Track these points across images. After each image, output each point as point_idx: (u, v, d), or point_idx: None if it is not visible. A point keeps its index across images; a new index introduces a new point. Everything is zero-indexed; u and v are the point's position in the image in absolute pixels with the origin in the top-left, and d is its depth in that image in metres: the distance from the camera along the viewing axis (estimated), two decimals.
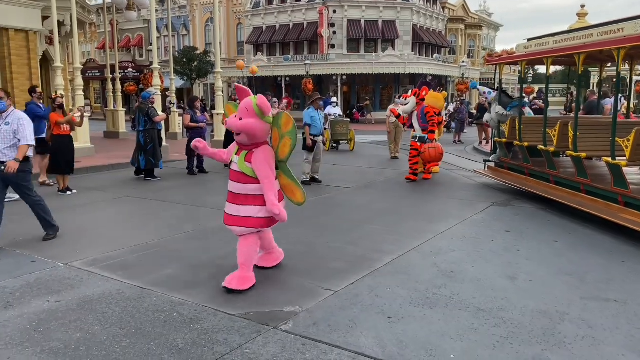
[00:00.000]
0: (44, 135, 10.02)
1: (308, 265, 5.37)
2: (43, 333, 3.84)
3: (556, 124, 7.96)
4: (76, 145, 11.41)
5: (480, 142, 17.88)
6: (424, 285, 4.81)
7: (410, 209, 8.18)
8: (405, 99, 11.13)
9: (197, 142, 4.79)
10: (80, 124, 9.76)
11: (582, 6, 9.13)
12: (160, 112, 11.79)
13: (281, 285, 4.82)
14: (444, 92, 11.36)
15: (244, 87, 4.82)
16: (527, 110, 10.26)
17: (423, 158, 10.20)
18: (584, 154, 7.31)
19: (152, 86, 14.77)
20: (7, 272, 5.10)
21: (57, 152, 9.20)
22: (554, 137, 7.96)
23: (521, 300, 4.46)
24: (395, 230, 6.77)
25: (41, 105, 10.04)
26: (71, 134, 9.42)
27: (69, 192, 9.22)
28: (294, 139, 4.61)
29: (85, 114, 11.66)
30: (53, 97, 9.84)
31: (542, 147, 8.24)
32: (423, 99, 10.49)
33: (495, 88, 10.18)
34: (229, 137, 11.99)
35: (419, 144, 10.42)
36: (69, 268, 5.28)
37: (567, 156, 7.92)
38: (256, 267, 5.00)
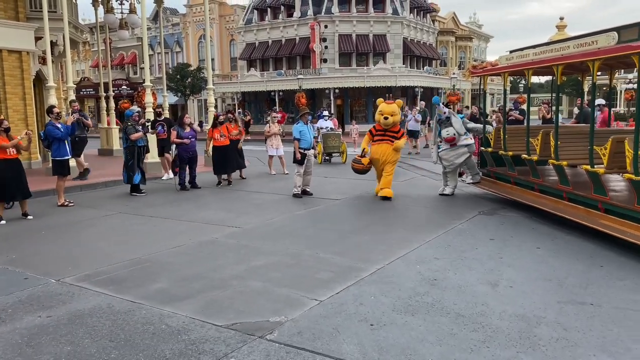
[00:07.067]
0: (67, 157, 10.07)
1: (295, 276, 5.50)
2: (34, 347, 3.95)
3: (539, 134, 8.16)
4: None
5: None
6: (407, 293, 4.94)
7: (398, 219, 8.32)
8: None
9: None
10: (27, 148, 9.18)
11: (561, 18, 9.40)
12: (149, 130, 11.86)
13: (268, 296, 4.94)
14: (398, 100, 10.62)
15: None
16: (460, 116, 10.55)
17: None
18: (565, 162, 7.49)
19: (144, 103, 14.98)
20: None
21: (4, 177, 8.43)
22: (537, 146, 8.16)
23: (500, 306, 4.60)
24: (382, 240, 6.91)
25: (59, 126, 9.85)
26: (19, 158, 8.77)
27: (29, 217, 8.73)
28: None
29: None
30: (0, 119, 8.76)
31: (526, 156, 8.43)
32: None
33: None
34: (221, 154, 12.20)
35: None
36: (61, 284, 5.39)
37: (549, 164, 8.11)
38: None
